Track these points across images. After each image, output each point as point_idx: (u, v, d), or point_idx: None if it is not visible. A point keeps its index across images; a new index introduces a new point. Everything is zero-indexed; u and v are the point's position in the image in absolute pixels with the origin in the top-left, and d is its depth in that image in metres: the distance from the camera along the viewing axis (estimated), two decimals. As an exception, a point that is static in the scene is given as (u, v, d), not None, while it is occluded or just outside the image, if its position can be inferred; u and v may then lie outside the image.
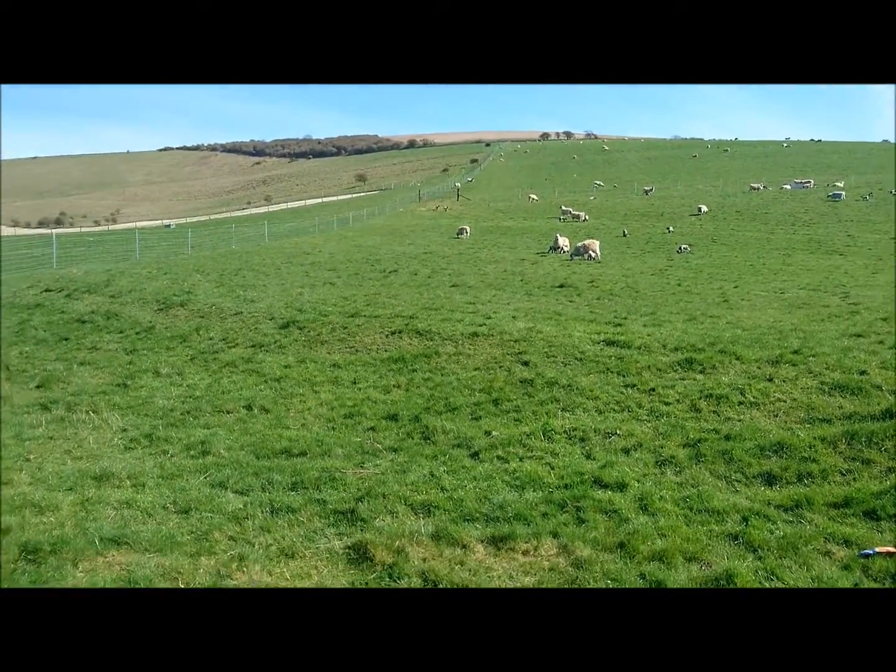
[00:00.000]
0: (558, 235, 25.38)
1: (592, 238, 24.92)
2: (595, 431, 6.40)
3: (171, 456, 6.13)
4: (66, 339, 11.08)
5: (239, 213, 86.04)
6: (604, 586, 3.90)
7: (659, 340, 8.73)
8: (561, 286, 15.36)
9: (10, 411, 7.52)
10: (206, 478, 5.55)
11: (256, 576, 4.06)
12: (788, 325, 9.79)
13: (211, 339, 10.49)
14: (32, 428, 6.97)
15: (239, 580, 4.02)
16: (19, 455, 6.12)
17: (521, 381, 7.75)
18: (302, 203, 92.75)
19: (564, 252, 23.75)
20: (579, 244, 23.00)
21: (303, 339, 10.06)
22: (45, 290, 15.02)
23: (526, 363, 8.29)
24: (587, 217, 37.98)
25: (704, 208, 38.15)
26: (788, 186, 51.24)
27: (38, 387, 8.54)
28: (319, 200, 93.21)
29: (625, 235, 30.48)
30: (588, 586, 3.89)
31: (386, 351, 9.27)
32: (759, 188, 50.53)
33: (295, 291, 13.80)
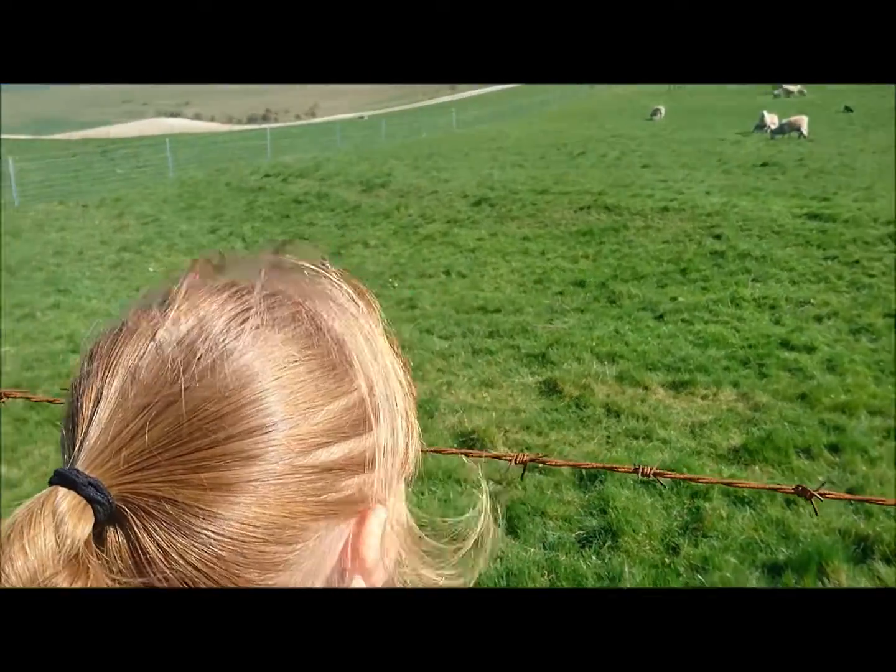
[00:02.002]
0: (765, 112, 23.19)
1: (803, 114, 22.50)
2: (787, 300, 6.36)
3: (385, 308, 7.01)
4: (286, 217, 12.51)
5: (429, 102, 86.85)
6: (780, 428, 4.16)
7: (870, 214, 8.16)
8: (764, 164, 14.36)
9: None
10: (415, 325, 6.38)
11: (462, 398, 4.82)
12: None
13: (410, 215, 11.35)
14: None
15: (447, 400, 4.79)
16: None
17: (711, 253, 7.73)
18: (488, 90, 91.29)
19: (772, 130, 21.75)
20: (784, 121, 20.93)
21: (494, 214, 10.57)
22: (265, 176, 16.76)
23: (718, 236, 8.20)
24: (804, 91, 33.95)
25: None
26: None
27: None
28: (504, 87, 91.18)
29: (848, 111, 27.08)
30: (764, 427, 4.17)
31: (574, 225, 9.53)
32: None
33: (484, 172, 14.25)
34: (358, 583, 0.46)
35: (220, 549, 0.36)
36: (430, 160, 17.47)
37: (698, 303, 6.48)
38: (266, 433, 0.37)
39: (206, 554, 0.36)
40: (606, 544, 3.15)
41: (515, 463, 0.84)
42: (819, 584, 2.80)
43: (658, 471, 0.82)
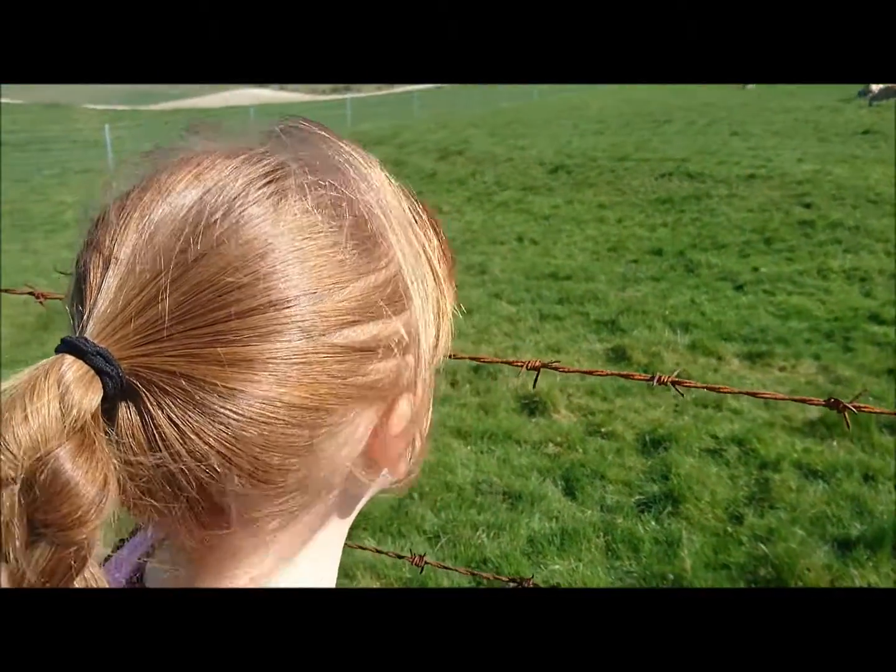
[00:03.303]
0: (870, 77, 21.59)
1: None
2: (880, 273, 5.98)
3: (456, 272, 7.04)
4: (363, 183, 12.64)
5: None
6: (862, 403, 3.93)
7: (982, 183, 7.53)
8: (865, 132, 13.44)
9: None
10: (483, 290, 6.35)
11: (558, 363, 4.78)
12: None
13: (485, 182, 11.25)
14: (345, 249, 8.40)
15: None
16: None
17: (798, 223, 7.33)
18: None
19: (873, 96, 20.29)
20: (883, 87, 19.46)
21: (570, 182, 10.35)
22: (344, 144, 16.97)
23: (807, 205, 7.76)
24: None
25: None
26: None
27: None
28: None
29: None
30: (844, 400, 3.95)
31: (654, 193, 9.22)
32: None
33: (563, 140, 13.94)
34: (384, 476, 0.45)
35: (240, 430, 0.34)
36: (508, 128, 17.21)
37: (782, 273, 6.17)
38: (287, 307, 0.34)
39: (224, 434, 0.34)
40: (666, 510, 3.08)
41: (527, 368, 0.82)
42: (894, 562, 2.65)
43: (676, 379, 0.77)
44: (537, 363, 0.81)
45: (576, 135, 15.01)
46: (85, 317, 0.34)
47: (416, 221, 0.43)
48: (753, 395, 0.78)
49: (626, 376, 0.86)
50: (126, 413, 0.34)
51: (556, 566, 2.73)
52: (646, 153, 11.12)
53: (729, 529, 2.96)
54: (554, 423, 3.94)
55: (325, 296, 0.36)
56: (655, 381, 0.81)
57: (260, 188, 0.36)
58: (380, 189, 0.41)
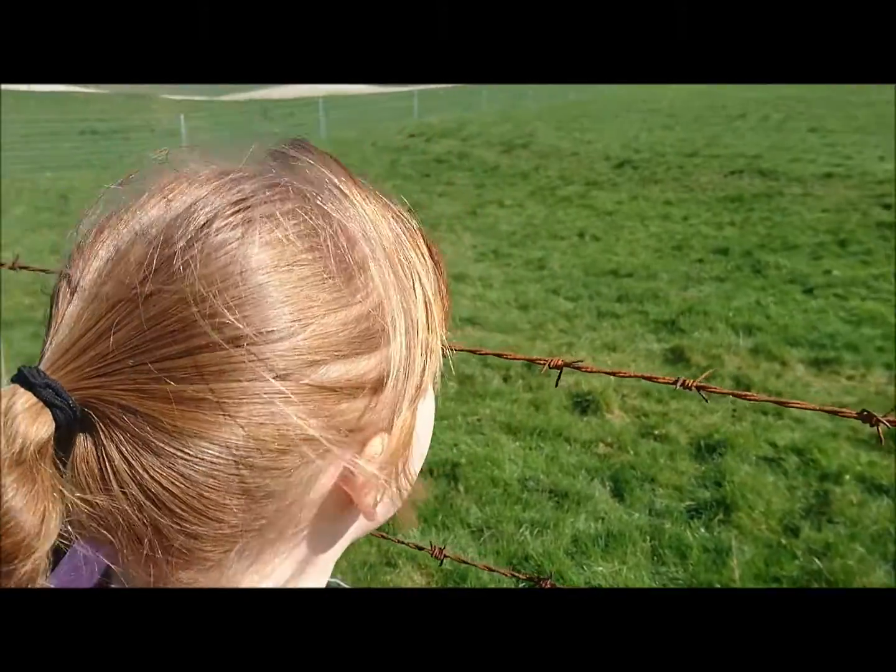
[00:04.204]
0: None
1: None
2: (965, 279, 5.65)
3: (514, 267, 7.01)
4: (427, 176, 12.67)
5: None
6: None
7: None
8: (956, 130, 12.71)
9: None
10: (541, 285, 6.30)
11: (583, 359, 4.72)
12: None
13: (549, 176, 11.13)
14: (405, 240, 8.46)
15: (567, 359, 4.71)
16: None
17: (877, 224, 7.00)
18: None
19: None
20: None
21: (636, 177, 10.14)
22: (410, 136, 17.04)
23: (887, 206, 7.39)
24: None
25: None
26: None
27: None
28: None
29: None
30: (878, 414, 3.76)
31: (723, 190, 8.95)
32: None
33: (631, 134, 13.67)
34: (359, 521, 0.43)
35: (187, 469, 0.33)
36: (575, 122, 16.99)
37: (856, 277, 5.91)
38: (244, 345, 0.33)
39: (172, 472, 0.33)
40: (717, 517, 3.00)
41: (550, 367, 0.81)
42: (960, 586, 2.51)
43: (701, 384, 0.75)
44: (559, 362, 0.80)
45: (644, 129, 14.70)
46: (46, 346, 0.34)
47: (416, 257, 0.41)
48: (782, 403, 0.75)
49: (650, 378, 0.84)
50: (83, 444, 0.33)
51: (600, 568, 2.70)
52: (716, 149, 10.80)
53: (783, 541, 2.86)
54: (606, 422, 3.88)
55: (288, 333, 0.34)
56: (679, 384, 0.79)
57: (227, 217, 0.34)
58: (366, 220, 0.39)
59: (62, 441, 0.33)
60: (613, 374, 0.88)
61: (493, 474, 3.31)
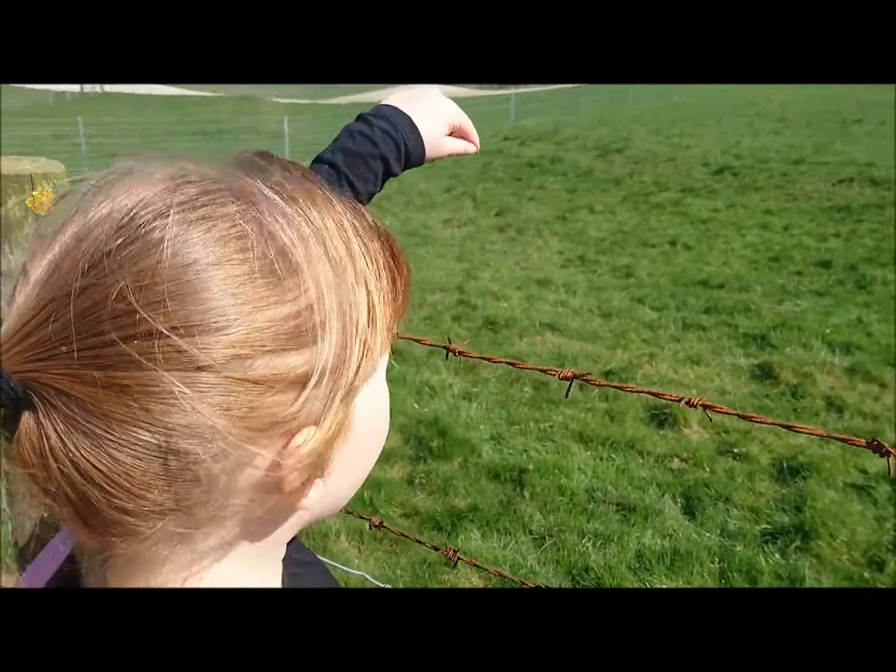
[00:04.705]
0: None
1: None
2: None
3: (599, 274, 6.90)
4: (518, 179, 12.65)
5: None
6: None
7: None
8: None
9: (476, 230, 9.21)
10: (626, 294, 6.17)
11: (663, 372, 4.60)
12: None
13: (643, 182, 10.88)
14: (492, 244, 8.48)
15: (646, 371, 4.61)
16: (483, 261, 7.58)
17: None
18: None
19: None
20: None
21: (736, 184, 9.76)
22: (504, 139, 17.05)
23: None
24: None
25: None
26: None
27: (496, 214, 10.15)
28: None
29: None
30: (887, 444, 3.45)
31: (829, 200, 8.47)
32: None
33: (733, 139, 13.15)
34: (289, 515, 0.45)
35: (114, 450, 0.36)
36: (674, 126, 16.50)
37: (976, 296, 5.47)
38: (167, 338, 0.35)
39: (101, 452, 0.36)
40: (794, 544, 2.86)
41: (560, 378, 0.80)
42: None
43: (707, 403, 0.73)
44: (570, 373, 0.80)
45: (748, 134, 14.11)
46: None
47: (366, 263, 0.43)
48: (788, 427, 0.72)
49: (656, 395, 0.83)
50: (26, 422, 0.36)
51: (663, 585, 2.63)
52: (825, 156, 10.24)
53: (865, 575, 2.70)
54: (683, 437, 3.77)
55: (213, 328, 0.36)
56: (683, 402, 0.77)
57: (166, 217, 0.37)
58: (308, 227, 0.40)
59: (12, 416, 0.36)
60: (619, 387, 0.87)
61: (560, 483, 3.28)
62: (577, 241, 8.30)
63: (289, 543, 0.50)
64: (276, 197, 0.40)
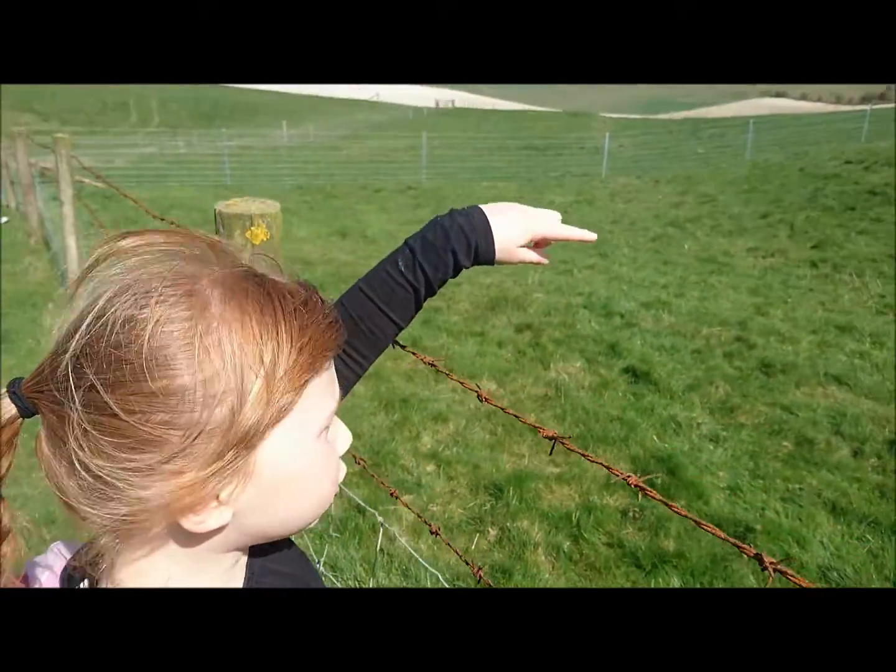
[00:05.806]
0: None
1: None
2: None
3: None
4: (851, 209, 11.20)
5: None
6: None
7: None
8: None
9: (784, 262, 8.43)
10: None
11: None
12: None
13: None
14: (798, 279, 7.70)
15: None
16: (780, 297, 6.95)
17: None
18: None
19: None
20: None
21: None
22: (845, 162, 15.15)
23: None
24: None
25: None
26: None
27: (813, 247, 9.16)
28: None
29: None
30: None
31: None
32: None
33: None
34: (227, 531, 0.55)
35: (66, 461, 0.51)
36: None
37: None
38: (93, 390, 0.50)
39: (63, 461, 0.52)
40: None
41: (543, 436, 0.80)
42: None
43: (783, 568, 0.63)
44: (552, 433, 0.80)
45: None
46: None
47: (264, 339, 0.51)
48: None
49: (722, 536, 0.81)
50: (41, 419, 0.54)
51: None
52: None
53: None
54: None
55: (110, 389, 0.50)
56: (755, 557, 0.75)
57: (128, 308, 0.50)
58: (162, 318, 0.50)
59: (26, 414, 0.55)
60: (608, 467, 0.86)
61: (792, 551, 2.98)
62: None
63: (277, 553, 0.65)
64: (179, 295, 0.52)
